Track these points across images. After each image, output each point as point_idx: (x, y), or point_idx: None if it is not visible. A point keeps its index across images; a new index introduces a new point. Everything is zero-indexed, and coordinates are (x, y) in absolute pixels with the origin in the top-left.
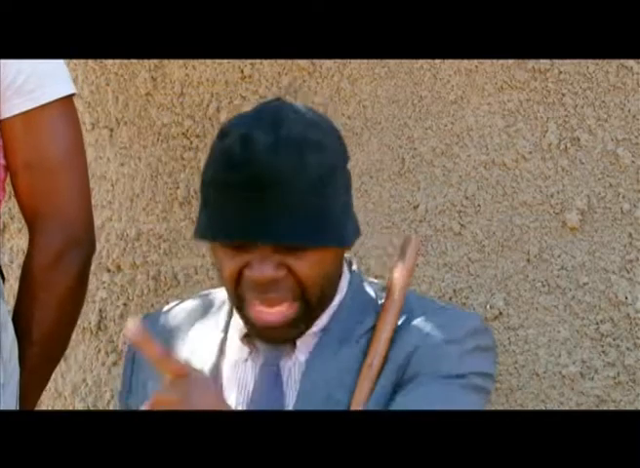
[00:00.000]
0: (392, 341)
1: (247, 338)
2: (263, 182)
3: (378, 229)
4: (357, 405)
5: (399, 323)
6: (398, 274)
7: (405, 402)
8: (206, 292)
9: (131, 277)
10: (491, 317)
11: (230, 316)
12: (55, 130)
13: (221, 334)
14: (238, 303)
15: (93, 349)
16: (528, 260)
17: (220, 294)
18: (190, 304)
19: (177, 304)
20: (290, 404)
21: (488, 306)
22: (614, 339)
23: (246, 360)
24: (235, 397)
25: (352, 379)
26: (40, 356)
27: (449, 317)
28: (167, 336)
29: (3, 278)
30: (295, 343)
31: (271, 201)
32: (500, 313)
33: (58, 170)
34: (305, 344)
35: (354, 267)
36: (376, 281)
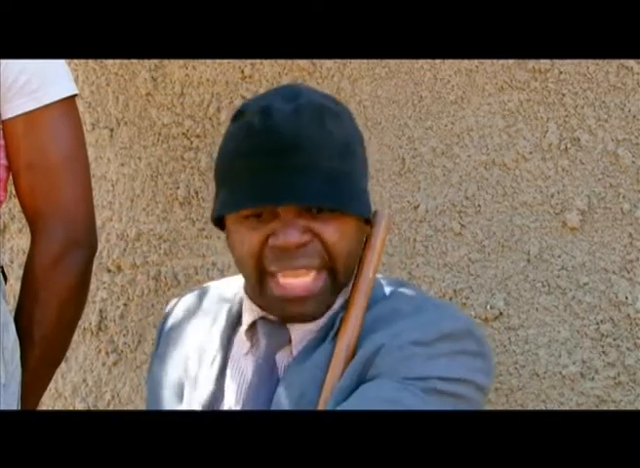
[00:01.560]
0: (366, 328)
1: (249, 332)
2: (285, 147)
3: None
4: (325, 392)
5: (379, 312)
6: (368, 251)
7: (354, 402)
8: (217, 282)
9: (131, 277)
10: (491, 317)
11: (240, 310)
12: (57, 130)
13: (230, 329)
14: (259, 280)
15: (93, 349)
16: (528, 260)
17: (231, 287)
18: (201, 297)
19: (188, 296)
20: (284, 405)
21: (488, 306)
22: (614, 339)
23: (246, 354)
24: (235, 391)
25: (324, 374)
26: (41, 356)
27: (427, 318)
28: (178, 329)
29: (5, 278)
30: (290, 339)
31: (294, 165)
32: (501, 313)
33: (59, 170)
34: (301, 340)
35: None
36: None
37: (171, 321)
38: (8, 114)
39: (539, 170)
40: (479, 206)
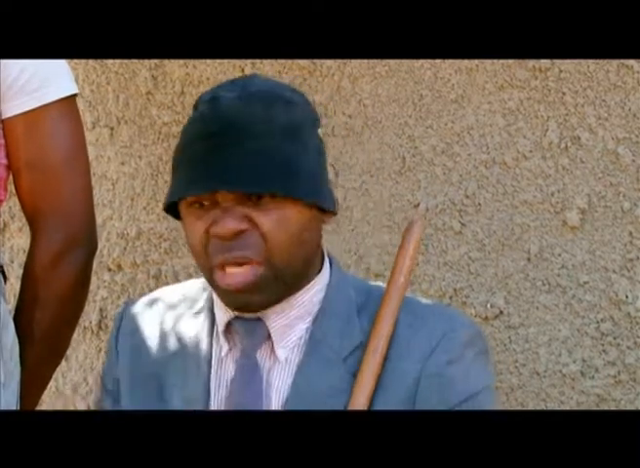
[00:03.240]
0: (389, 360)
1: (226, 333)
2: (221, 131)
3: (378, 228)
4: None
5: (395, 334)
6: (400, 256)
7: None
8: (189, 282)
9: (131, 276)
10: (491, 316)
11: (211, 311)
12: (57, 129)
13: (205, 331)
14: (208, 272)
15: (93, 348)
16: (528, 259)
17: (194, 288)
18: (176, 296)
19: (160, 295)
20: (272, 406)
21: (488, 305)
22: (614, 338)
23: (226, 355)
24: (214, 394)
25: (339, 402)
26: (41, 355)
27: (442, 328)
28: (154, 330)
29: (5, 277)
30: (269, 335)
31: (233, 149)
32: (501, 312)
33: (59, 169)
34: (282, 337)
35: (335, 265)
36: (358, 278)
37: (130, 328)
38: (8, 113)
39: (539, 168)
40: (479, 204)
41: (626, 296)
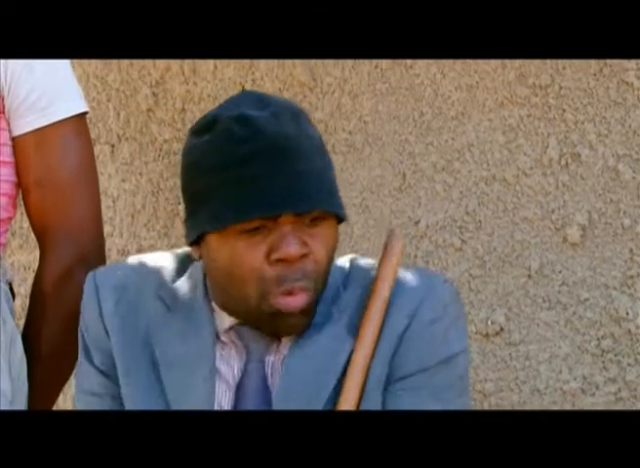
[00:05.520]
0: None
1: (227, 335)
2: (273, 152)
3: (378, 245)
4: (346, 402)
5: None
6: (383, 269)
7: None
8: (163, 254)
9: None
10: (492, 333)
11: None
12: (66, 147)
13: (205, 335)
14: (260, 299)
15: None
16: (529, 276)
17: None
18: (154, 264)
19: (132, 262)
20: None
21: (489, 322)
22: (615, 355)
23: (229, 357)
24: (220, 396)
25: (332, 379)
26: (48, 372)
27: (425, 286)
28: (142, 299)
29: (13, 294)
30: (280, 339)
31: (284, 170)
32: (502, 329)
33: (69, 187)
34: (290, 337)
35: None
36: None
37: (113, 299)
38: (18, 131)
39: (539, 185)
40: (480, 221)
41: (627, 313)
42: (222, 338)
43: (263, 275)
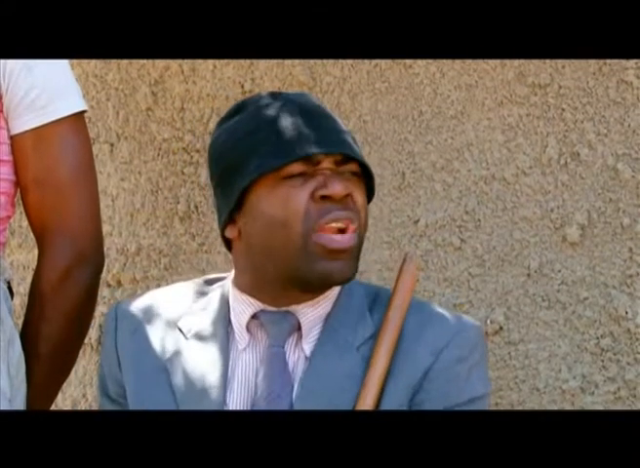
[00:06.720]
0: (401, 350)
1: (249, 326)
2: (305, 110)
3: (378, 244)
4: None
5: (405, 329)
6: (398, 292)
7: None
8: (177, 285)
9: (131, 292)
10: (491, 332)
11: (227, 308)
12: (65, 146)
13: (223, 327)
14: (306, 237)
15: (93, 364)
16: (528, 275)
17: (188, 290)
18: (172, 296)
19: (154, 295)
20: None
21: (488, 321)
22: (614, 354)
23: (245, 348)
24: (237, 387)
25: (354, 385)
26: (47, 371)
27: (455, 326)
28: (157, 328)
29: (12, 294)
30: (299, 328)
31: (320, 123)
32: (501, 328)
33: (67, 186)
34: (310, 331)
35: None
36: (363, 282)
37: (129, 329)
38: (17, 130)
39: (538, 184)
40: (479, 220)
41: (626, 312)
42: (241, 327)
43: (309, 211)
